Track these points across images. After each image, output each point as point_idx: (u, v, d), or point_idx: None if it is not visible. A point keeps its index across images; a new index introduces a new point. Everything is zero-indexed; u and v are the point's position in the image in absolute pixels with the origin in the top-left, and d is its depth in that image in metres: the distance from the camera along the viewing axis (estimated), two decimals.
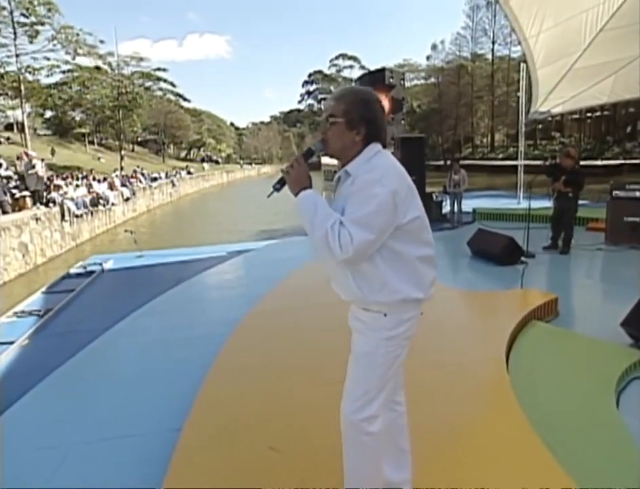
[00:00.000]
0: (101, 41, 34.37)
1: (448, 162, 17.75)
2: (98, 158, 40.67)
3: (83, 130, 44.69)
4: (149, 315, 4.84)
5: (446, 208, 10.76)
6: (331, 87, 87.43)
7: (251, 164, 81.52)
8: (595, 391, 2.92)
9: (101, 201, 19.36)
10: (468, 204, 10.84)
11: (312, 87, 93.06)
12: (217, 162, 72.98)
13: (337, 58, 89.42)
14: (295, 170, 1.58)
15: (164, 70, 56.00)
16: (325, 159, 16.89)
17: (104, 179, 23.19)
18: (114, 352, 4.00)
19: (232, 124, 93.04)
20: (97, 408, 2.99)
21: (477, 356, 3.35)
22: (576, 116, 38.77)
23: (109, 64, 38.97)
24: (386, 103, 9.96)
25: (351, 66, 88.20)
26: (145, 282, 6.43)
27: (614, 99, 13.13)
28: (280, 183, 1.62)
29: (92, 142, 47.28)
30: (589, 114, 40.50)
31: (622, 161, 30.03)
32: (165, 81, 56.59)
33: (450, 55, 60.26)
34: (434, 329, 3.81)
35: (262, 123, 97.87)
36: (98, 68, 38.17)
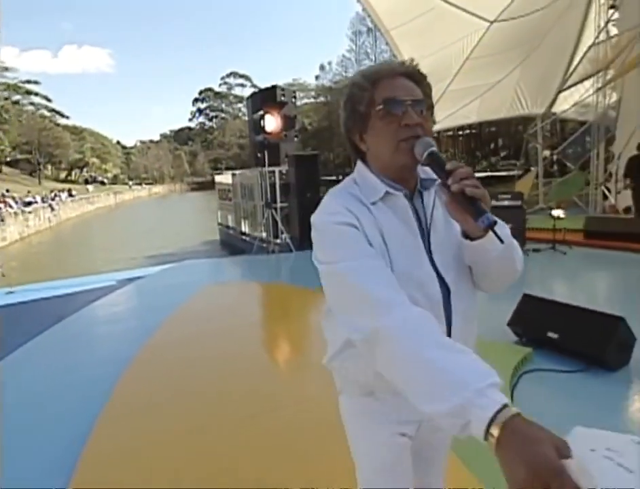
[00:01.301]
0: None
1: (341, 177, 18.43)
2: None
3: None
4: (21, 362, 4.21)
5: None
6: (223, 105, 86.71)
7: (140, 184, 77.31)
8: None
9: None
10: None
11: (202, 105, 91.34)
12: (102, 183, 68.19)
13: (228, 76, 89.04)
14: (473, 182, 0.93)
15: (36, 82, 51.23)
16: (220, 178, 16.47)
17: None
18: None
19: (118, 143, 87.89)
20: None
21: None
22: (450, 133, 42.53)
23: None
24: (278, 121, 10.03)
25: (242, 85, 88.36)
26: (17, 323, 5.65)
27: (480, 119, 14.70)
28: (482, 209, 0.92)
29: None
30: (460, 132, 44.73)
31: (490, 174, 33.56)
32: (37, 94, 51.71)
33: (337, 75, 63.24)
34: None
35: (151, 141, 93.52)
36: None
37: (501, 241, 0.92)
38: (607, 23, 10.01)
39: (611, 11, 10.04)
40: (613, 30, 10.10)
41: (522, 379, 3.31)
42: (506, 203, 8.08)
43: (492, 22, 10.41)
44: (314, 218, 1.04)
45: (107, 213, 43.95)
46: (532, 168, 13.48)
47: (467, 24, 10.34)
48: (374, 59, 58.81)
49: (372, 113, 1.05)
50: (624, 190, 9.07)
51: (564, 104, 11.88)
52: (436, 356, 0.79)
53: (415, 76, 1.07)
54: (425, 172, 1.10)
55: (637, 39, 9.09)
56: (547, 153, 14.25)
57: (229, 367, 3.71)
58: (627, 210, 9.29)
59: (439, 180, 0.99)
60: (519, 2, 9.60)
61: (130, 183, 75.71)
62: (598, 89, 10.38)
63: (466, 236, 1.01)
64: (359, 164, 1.13)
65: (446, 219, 1.07)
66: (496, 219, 0.92)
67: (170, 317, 5.04)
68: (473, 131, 46.24)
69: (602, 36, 10.14)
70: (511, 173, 19.16)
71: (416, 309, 0.89)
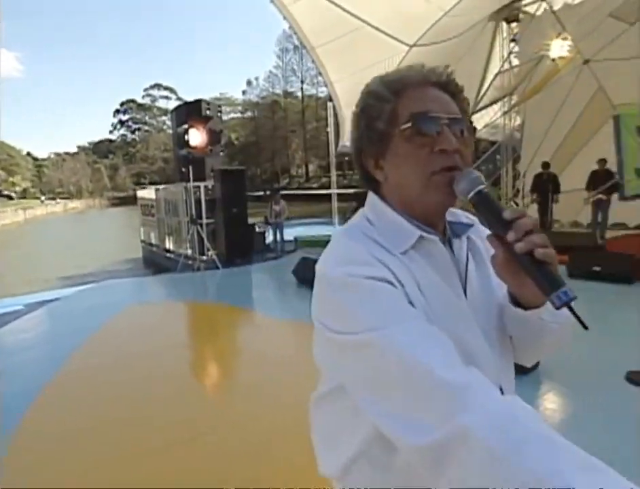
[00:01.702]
0: None
1: (268, 193, 18.43)
2: None
3: None
4: None
5: (269, 238, 11.07)
6: (147, 118, 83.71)
7: (55, 198, 72.19)
8: None
9: None
10: (289, 233, 11.31)
11: (124, 117, 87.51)
12: (9, 198, 62.88)
13: (152, 87, 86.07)
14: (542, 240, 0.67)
15: None
16: (143, 193, 15.80)
17: None
18: None
19: (28, 154, 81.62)
20: None
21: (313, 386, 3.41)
22: None
23: None
24: (203, 135, 9.88)
25: (167, 97, 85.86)
26: None
27: None
28: (559, 281, 0.66)
29: None
30: None
31: None
32: None
33: (264, 91, 63.79)
34: (267, 364, 3.78)
35: (67, 153, 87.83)
36: None
37: (583, 325, 0.64)
38: (509, 55, 11.02)
39: (512, 44, 11.08)
40: (515, 61, 11.16)
41: None
42: None
43: (411, 46, 11.02)
44: (325, 268, 0.76)
45: (15, 230, 40.50)
46: None
47: (389, 47, 10.85)
48: (300, 76, 59.99)
49: (394, 133, 0.79)
50: (531, 204, 9.93)
51: (477, 125, 12.81)
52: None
53: (451, 87, 0.83)
54: (452, 213, 0.88)
55: (534, 69, 10.09)
56: None
57: (154, 391, 3.55)
58: None
59: (491, 231, 0.72)
60: (435, 30, 10.24)
61: (43, 197, 70.47)
62: (505, 112, 11.38)
63: (515, 302, 0.78)
64: (374, 198, 0.86)
65: (482, 276, 0.85)
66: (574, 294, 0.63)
67: (90, 340, 4.74)
68: None
69: (506, 65, 11.14)
70: None
71: (504, 397, 0.64)
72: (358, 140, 0.85)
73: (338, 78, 11.18)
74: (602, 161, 8.70)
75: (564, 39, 9.03)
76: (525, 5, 10.59)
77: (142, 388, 3.62)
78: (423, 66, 0.83)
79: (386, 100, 0.80)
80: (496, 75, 11.36)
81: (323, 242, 11.19)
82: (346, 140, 12.64)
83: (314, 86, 59.66)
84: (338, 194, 15.95)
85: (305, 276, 7.16)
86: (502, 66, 11.22)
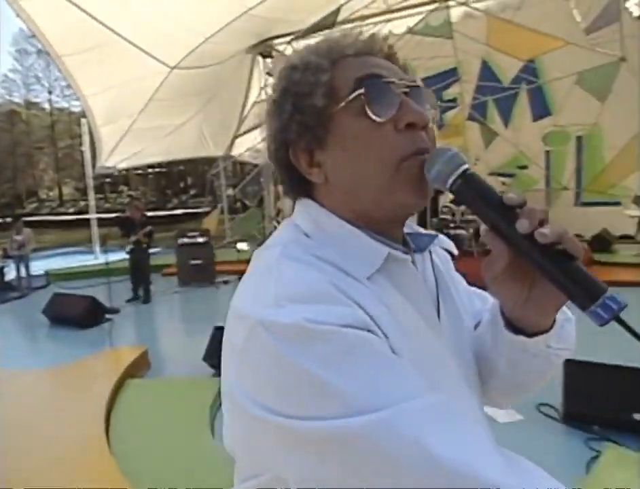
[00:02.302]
0: None
1: (8, 220, 15.55)
2: None
3: None
4: None
5: (11, 274, 9.26)
6: None
7: None
8: (192, 430, 3.15)
9: None
10: (38, 266, 9.71)
11: None
12: None
13: None
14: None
15: None
16: None
17: None
18: None
19: None
20: None
21: (74, 436, 3.04)
22: (140, 171, 41.92)
23: None
24: None
25: None
26: None
27: (168, 158, 15.13)
28: (601, 285, 0.46)
29: None
30: (150, 170, 44.77)
31: (182, 211, 34.74)
32: None
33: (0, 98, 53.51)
34: (21, 428, 3.16)
35: None
36: None
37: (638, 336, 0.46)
38: (265, 86, 12.05)
39: (267, 76, 12.15)
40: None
41: (221, 412, 3.48)
42: (197, 240, 8.51)
43: (172, 68, 10.89)
44: (261, 309, 0.48)
45: None
46: (218, 205, 14.61)
47: (150, 65, 10.50)
48: (47, 85, 52.60)
49: (336, 110, 0.56)
50: None
51: (241, 149, 13.46)
52: None
53: (395, 60, 0.63)
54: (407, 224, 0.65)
55: None
56: (232, 191, 15.75)
57: None
58: None
59: (486, 225, 0.52)
60: (197, 54, 10.37)
61: None
62: (264, 139, 12.27)
63: (510, 325, 0.59)
64: (310, 204, 0.62)
65: (451, 301, 0.67)
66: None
67: None
68: (163, 170, 47.03)
69: (264, 95, 12.12)
70: (200, 210, 20.34)
71: None
72: (281, 131, 0.60)
73: (91, 92, 10.24)
74: None
75: None
76: (276, 45, 11.71)
77: None
78: (360, 33, 0.62)
79: (322, 69, 0.58)
80: (254, 104, 12.20)
81: (82, 274, 10.04)
82: (104, 160, 11.69)
83: (66, 99, 53.14)
84: (99, 219, 14.58)
85: (59, 314, 6.25)
86: (259, 96, 12.13)
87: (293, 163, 0.60)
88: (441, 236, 0.68)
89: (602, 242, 9.00)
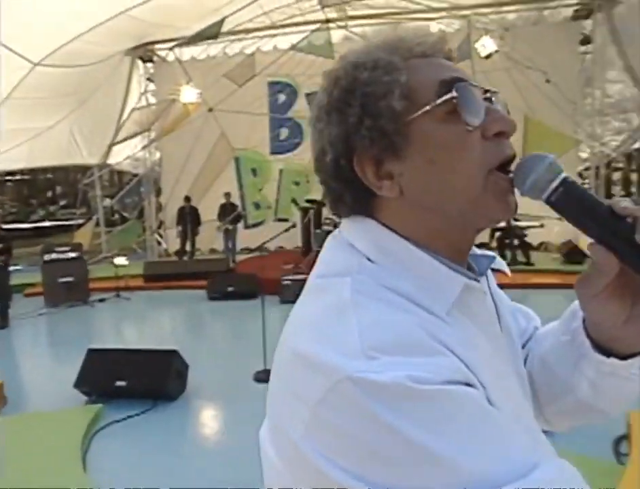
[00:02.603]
0: None
1: None
2: None
3: None
4: None
5: None
6: None
7: None
8: (62, 465, 2.85)
9: None
10: None
11: None
12: None
13: None
14: None
15: None
16: None
17: None
18: None
19: None
20: None
21: None
22: None
23: None
24: None
25: None
26: None
27: (32, 165, 13.57)
28: None
29: None
30: (9, 177, 39.92)
31: (49, 223, 31.34)
32: None
33: None
34: None
35: None
36: None
37: None
38: (145, 92, 11.47)
39: (148, 82, 11.58)
40: (152, 99, 11.67)
41: (95, 440, 3.21)
42: (67, 255, 7.77)
43: (35, 64, 9.86)
44: (337, 362, 0.41)
45: None
46: (93, 217, 13.46)
47: (6, 59, 9.39)
48: None
49: (417, 117, 0.50)
50: (177, 238, 10.55)
51: (119, 157, 12.58)
52: None
53: (453, 61, 0.57)
54: None
55: (169, 109, 10.84)
56: (109, 202, 14.64)
57: None
58: (178, 253, 10.70)
59: (592, 238, 0.47)
60: (66, 52, 9.52)
61: None
62: (144, 147, 11.69)
63: (598, 346, 0.55)
64: (373, 226, 0.53)
65: (509, 327, 0.62)
66: None
67: None
68: (26, 177, 42.13)
69: (144, 101, 11.50)
70: (72, 223, 18.57)
71: None
72: (345, 138, 0.51)
73: None
74: (227, 195, 10.29)
75: (193, 86, 10.01)
76: (158, 50, 11.21)
77: None
78: (427, 31, 0.57)
79: (396, 68, 0.50)
80: (133, 110, 11.51)
81: None
82: None
83: None
84: None
85: None
86: (138, 102, 11.49)
87: (356, 174, 0.52)
88: (497, 257, 0.62)
89: None
